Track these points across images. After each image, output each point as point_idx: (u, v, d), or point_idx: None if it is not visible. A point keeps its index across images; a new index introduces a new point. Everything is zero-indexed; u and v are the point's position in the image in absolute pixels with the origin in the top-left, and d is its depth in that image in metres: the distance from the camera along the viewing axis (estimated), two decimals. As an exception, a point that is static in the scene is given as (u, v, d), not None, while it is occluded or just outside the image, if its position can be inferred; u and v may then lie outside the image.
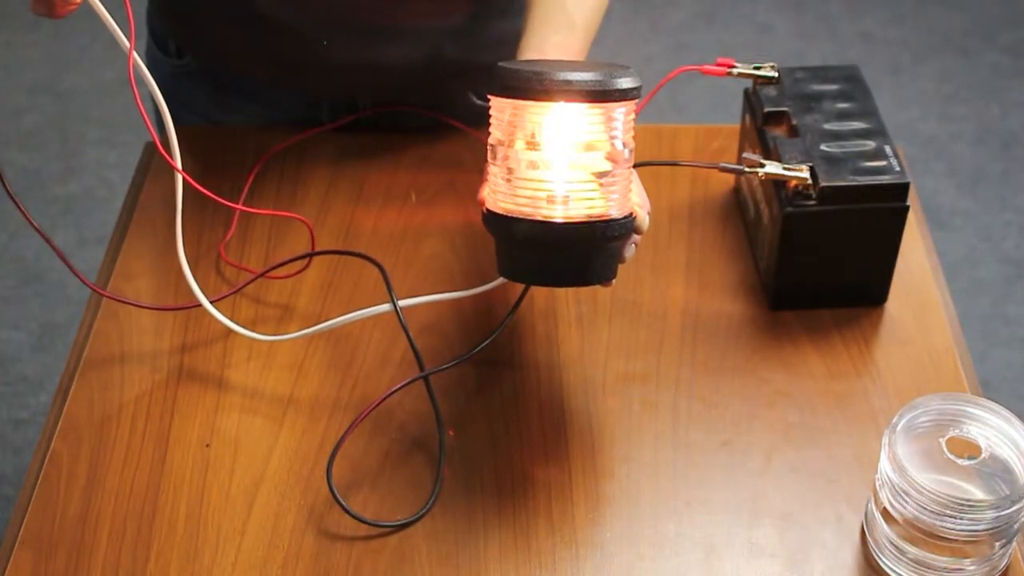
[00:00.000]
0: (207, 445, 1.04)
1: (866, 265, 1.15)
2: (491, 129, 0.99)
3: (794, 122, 1.15)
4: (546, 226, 0.96)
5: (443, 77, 1.31)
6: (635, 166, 1.00)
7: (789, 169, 1.09)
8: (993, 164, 2.69)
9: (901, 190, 1.10)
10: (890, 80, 2.89)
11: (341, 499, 0.98)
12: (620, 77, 0.95)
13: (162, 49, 1.36)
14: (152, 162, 1.31)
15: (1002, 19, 3.07)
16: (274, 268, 1.16)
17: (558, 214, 0.96)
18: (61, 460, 1.03)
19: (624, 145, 0.97)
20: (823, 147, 1.12)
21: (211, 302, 1.07)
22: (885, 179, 1.09)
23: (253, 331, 1.10)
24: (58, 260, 1.08)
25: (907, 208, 1.11)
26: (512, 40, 1.15)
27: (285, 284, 1.18)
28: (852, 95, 1.19)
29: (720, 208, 1.26)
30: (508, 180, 0.97)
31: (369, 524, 0.98)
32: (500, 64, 0.97)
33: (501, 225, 0.98)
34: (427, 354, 1.09)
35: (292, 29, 1.24)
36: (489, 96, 0.98)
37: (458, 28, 1.27)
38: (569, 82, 0.93)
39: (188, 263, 1.07)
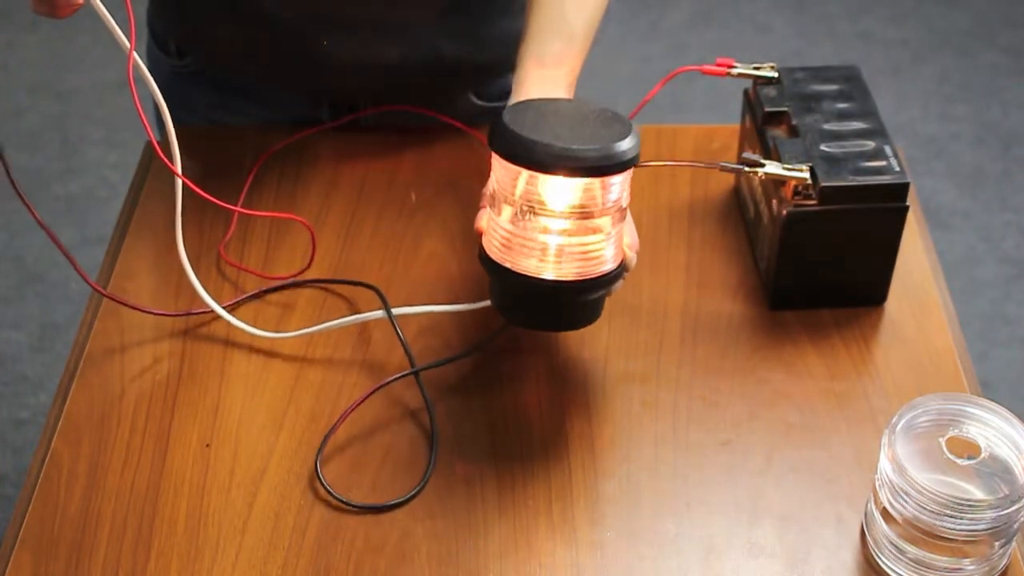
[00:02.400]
0: (207, 445, 1.04)
1: (866, 265, 1.15)
2: (492, 177, 1.00)
3: (794, 122, 1.15)
4: (538, 283, 0.99)
5: (443, 77, 1.31)
6: (635, 166, 1.00)
7: (789, 169, 1.09)
8: (993, 164, 2.69)
9: (901, 190, 1.10)
10: (890, 80, 2.89)
11: (324, 480, 0.98)
12: (621, 144, 0.95)
13: (162, 49, 1.36)
14: (153, 162, 1.31)
15: (1002, 19, 3.07)
16: (275, 290, 1.17)
17: (550, 273, 0.98)
18: (61, 460, 1.03)
19: (622, 204, 0.99)
20: (823, 147, 1.12)
21: (191, 312, 1.08)
22: (885, 179, 1.09)
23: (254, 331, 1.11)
24: (58, 260, 1.09)
25: (907, 208, 1.11)
26: (512, 40, 1.15)
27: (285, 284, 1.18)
28: (852, 95, 1.19)
29: (720, 208, 1.26)
30: (505, 233, 0.99)
31: (366, 508, 0.98)
32: (503, 121, 0.97)
33: (496, 272, 1.00)
34: (427, 354, 1.09)
35: (292, 28, 1.24)
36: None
37: (458, 28, 1.27)
38: (571, 155, 0.93)
39: (189, 261, 1.07)
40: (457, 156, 1.31)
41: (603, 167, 0.95)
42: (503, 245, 0.99)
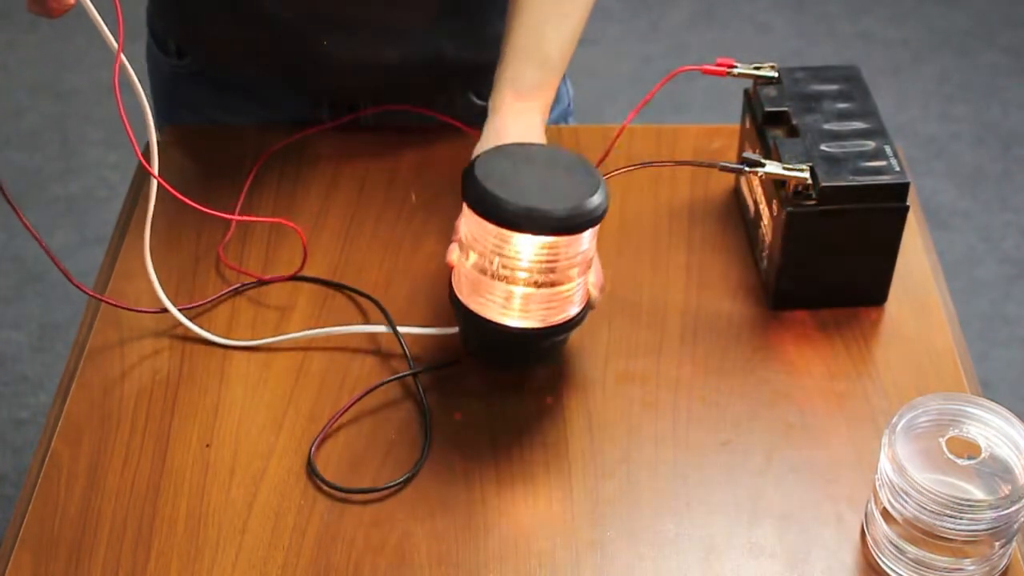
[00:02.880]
0: (207, 445, 1.04)
1: (866, 265, 1.15)
2: (463, 223, 1.02)
3: (794, 122, 1.15)
4: (502, 329, 1.01)
5: (443, 77, 1.31)
6: (635, 166, 1.01)
7: (789, 169, 1.09)
8: (993, 164, 2.69)
9: (901, 190, 1.10)
10: (890, 80, 2.89)
11: (317, 469, 0.98)
12: (589, 201, 0.97)
13: (162, 49, 1.36)
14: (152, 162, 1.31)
15: (1002, 19, 3.07)
16: (263, 283, 1.17)
17: (515, 320, 1.01)
18: (61, 460, 1.03)
19: (588, 255, 1.01)
20: (823, 147, 1.12)
21: (181, 309, 1.09)
22: (885, 179, 1.09)
23: (250, 333, 1.11)
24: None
25: (907, 208, 1.11)
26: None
27: (284, 286, 1.18)
28: (852, 95, 1.19)
29: (720, 208, 1.26)
30: (472, 277, 1.01)
31: (360, 492, 0.98)
32: (475, 173, 0.98)
33: (463, 314, 1.03)
34: (427, 355, 1.09)
35: (292, 28, 1.24)
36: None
37: (458, 28, 1.27)
38: (538, 214, 0.96)
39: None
40: (457, 156, 1.31)
41: (570, 226, 0.97)
42: (469, 288, 1.02)
